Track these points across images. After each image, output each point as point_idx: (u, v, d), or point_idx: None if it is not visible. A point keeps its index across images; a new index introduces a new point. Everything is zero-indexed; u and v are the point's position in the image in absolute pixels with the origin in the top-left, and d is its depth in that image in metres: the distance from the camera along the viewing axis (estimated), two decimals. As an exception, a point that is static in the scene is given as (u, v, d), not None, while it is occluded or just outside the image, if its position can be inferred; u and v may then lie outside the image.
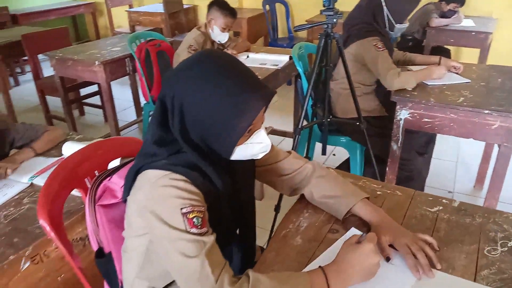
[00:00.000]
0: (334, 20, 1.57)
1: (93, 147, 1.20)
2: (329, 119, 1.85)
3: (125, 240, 1.03)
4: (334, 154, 2.97)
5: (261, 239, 1.21)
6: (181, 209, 0.80)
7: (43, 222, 0.98)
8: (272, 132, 3.02)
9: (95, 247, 1.09)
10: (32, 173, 1.39)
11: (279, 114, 3.44)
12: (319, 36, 1.64)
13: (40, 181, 1.35)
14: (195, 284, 0.76)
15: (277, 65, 2.43)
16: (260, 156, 0.94)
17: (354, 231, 0.98)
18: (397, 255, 0.90)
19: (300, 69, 2.14)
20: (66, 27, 3.59)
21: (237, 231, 1.14)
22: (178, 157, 0.87)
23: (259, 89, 0.84)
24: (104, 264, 1.08)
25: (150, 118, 3.00)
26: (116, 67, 2.77)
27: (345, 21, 2.05)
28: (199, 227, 0.80)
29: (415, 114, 1.83)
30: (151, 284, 1.00)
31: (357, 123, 1.80)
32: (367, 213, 1.00)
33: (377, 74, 1.92)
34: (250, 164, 1.04)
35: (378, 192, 1.14)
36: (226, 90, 0.81)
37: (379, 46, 1.87)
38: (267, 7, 4.70)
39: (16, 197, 1.29)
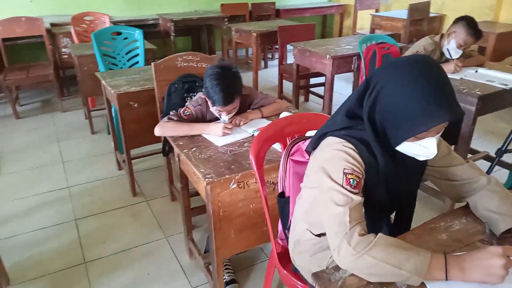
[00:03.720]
0: None
1: (300, 116, 1.53)
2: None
3: (302, 190, 1.31)
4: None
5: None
6: (344, 169, 1.01)
7: (251, 158, 1.36)
8: (485, 157, 2.76)
9: (280, 190, 1.42)
10: (255, 128, 1.84)
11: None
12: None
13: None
14: (334, 226, 0.96)
15: (506, 85, 2.23)
16: (420, 159, 1.04)
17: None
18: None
19: (531, 93, 1.93)
20: (313, 24, 4.13)
21: (393, 216, 1.26)
22: (355, 131, 1.07)
23: (451, 106, 0.94)
24: (283, 203, 1.40)
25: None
26: (343, 63, 3.10)
27: None
28: (353, 187, 0.99)
29: None
30: (309, 227, 1.25)
31: None
32: (528, 236, 0.96)
33: None
34: (421, 161, 1.13)
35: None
36: (424, 93, 0.93)
37: None
38: (529, 23, 4.11)
39: (241, 140, 1.75)
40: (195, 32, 5.89)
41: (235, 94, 1.77)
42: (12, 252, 2.14)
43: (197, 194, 2.19)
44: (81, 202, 2.60)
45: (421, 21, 4.95)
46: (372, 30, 5.44)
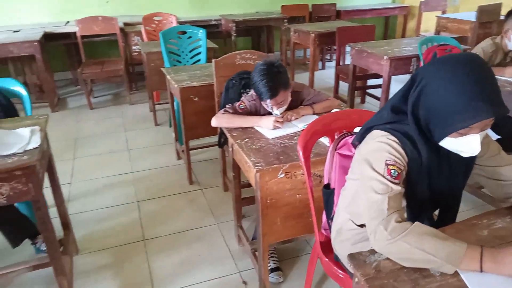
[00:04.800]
0: None
1: (349, 112, 1.58)
2: None
3: (346, 182, 1.36)
4: None
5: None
6: (386, 160, 1.05)
7: (299, 149, 1.44)
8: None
9: (325, 182, 1.48)
10: (306, 123, 1.90)
11: None
12: None
13: (309, 129, 1.84)
14: (371, 211, 1.01)
15: None
16: (464, 155, 1.05)
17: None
18: None
19: None
20: (373, 25, 4.09)
21: (436, 213, 1.28)
22: (399, 126, 1.11)
23: (494, 104, 0.95)
24: (327, 194, 1.47)
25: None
26: (401, 64, 3.05)
27: None
28: (393, 177, 1.03)
29: None
30: (351, 218, 1.30)
31: None
32: None
33: None
34: (467, 159, 1.14)
35: None
36: (466, 90, 0.95)
37: None
38: None
39: (291, 134, 1.84)
40: (255, 32, 6.05)
41: (279, 87, 1.85)
42: (82, 225, 2.39)
43: (248, 185, 2.31)
44: (143, 186, 2.83)
45: (490, 24, 4.69)
46: (437, 33, 5.23)
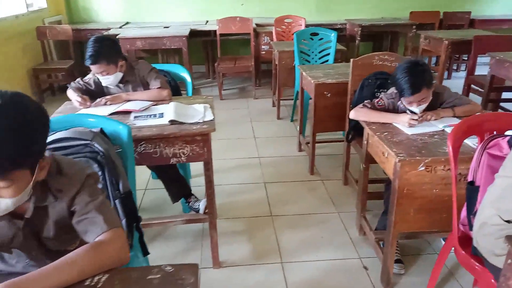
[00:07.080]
0: None
1: (501, 115, 1.61)
2: None
3: (495, 179, 1.40)
4: None
5: None
6: None
7: (449, 144, 1.52)
8: None
9: (470, 179, 1.53)
10: (446, 124, 1.95)
11: None
12: None
13: (448, 130, 1.89)
14: None
15: None
16: None
17: None
18: None
19: None
20: (516, 35, 3.84)
21: None
22: None
23: None
24: (471, 191, 1.51)
25: None
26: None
27: None
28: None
29: None
30: (497, 212, 1.34)
31: None
32: None
33: None
34: None
35: None
36: None
37: None
38: None
39: (431, 133, 1.90)
40: (378, 38, 6.03)
41: (422, 84, 1.91)
42: (218, 196, 2.72)
43: (373, 181, 2.42)
44: (268, 170, 3.12)
45: None
46: None
